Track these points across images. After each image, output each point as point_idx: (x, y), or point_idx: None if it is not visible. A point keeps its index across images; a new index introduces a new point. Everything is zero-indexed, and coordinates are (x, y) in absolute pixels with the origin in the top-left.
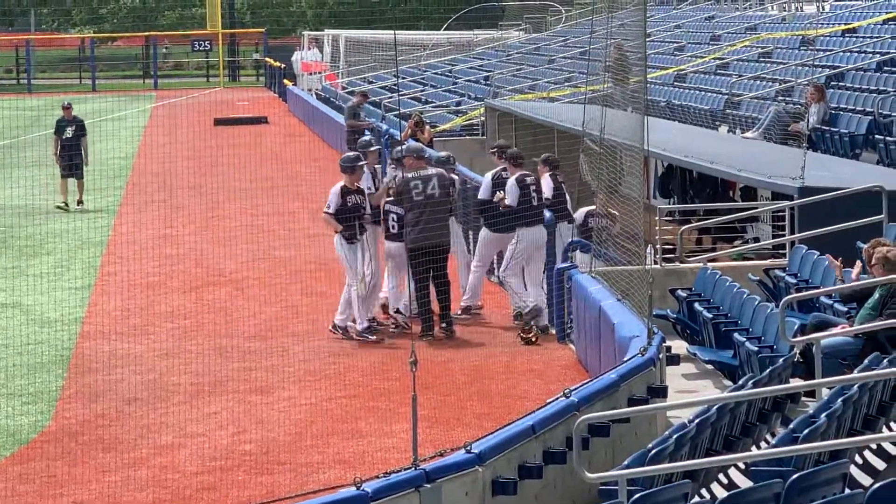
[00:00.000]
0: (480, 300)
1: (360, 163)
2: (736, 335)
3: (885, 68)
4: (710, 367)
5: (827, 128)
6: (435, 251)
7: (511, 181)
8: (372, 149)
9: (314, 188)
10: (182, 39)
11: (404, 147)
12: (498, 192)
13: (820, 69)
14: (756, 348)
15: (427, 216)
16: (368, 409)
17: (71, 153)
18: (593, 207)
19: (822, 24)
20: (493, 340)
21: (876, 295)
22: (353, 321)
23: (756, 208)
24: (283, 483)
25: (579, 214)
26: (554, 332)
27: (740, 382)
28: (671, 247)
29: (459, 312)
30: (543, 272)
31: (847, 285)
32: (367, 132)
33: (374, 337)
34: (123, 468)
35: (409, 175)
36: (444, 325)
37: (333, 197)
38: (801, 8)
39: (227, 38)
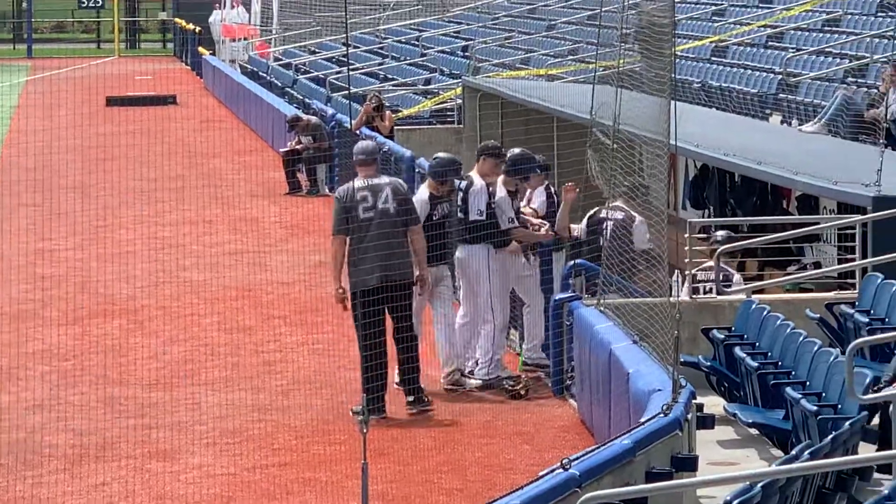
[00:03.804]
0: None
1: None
2: (789, 390)
3: None
4: (754, 431)
5: None
6: (392, 292)
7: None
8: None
9: (238, 190)
10: None
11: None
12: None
13: None
14: (815, 408)
15: (377, 241)
16: (304, 483)
17: None
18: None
19: None
20: (468, 394)
21: None
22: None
23: (817, 224)
24: None
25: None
26: (549, 383)
27: (794, 452)
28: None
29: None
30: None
31: None
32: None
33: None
34: None
35: (357, 184)
36: (410, 400)
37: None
38: None
39: None
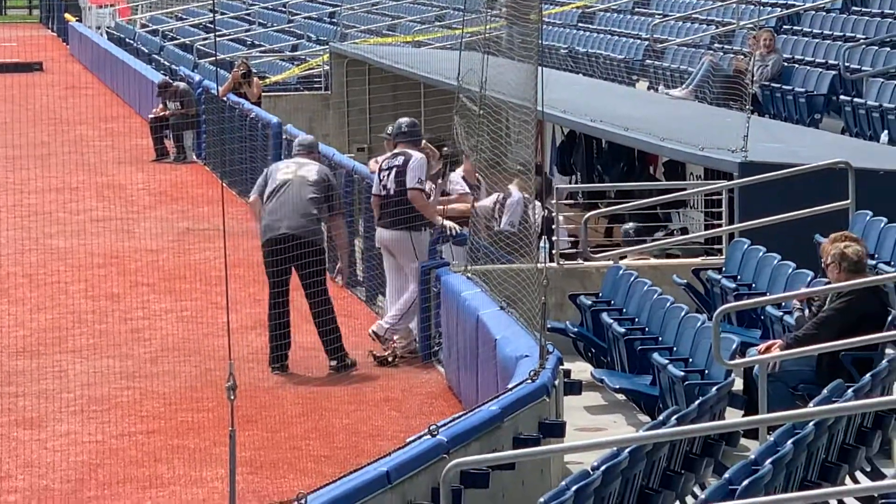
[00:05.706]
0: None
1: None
2: (656, 356)
3: (854, 8)
4: (621, 397)
5: (778, 85)
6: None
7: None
8: None
9: (104, 157)
10: None
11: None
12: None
13: (769, 8)
14: (682, 373)
15: (283, 199)
16: (172, 449)
17: None
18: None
19: None
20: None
21: (828, 303)
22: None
23: (684, 190)
24: None
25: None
26: (416, 348)
27: (661, 418)
28: (572, 239)
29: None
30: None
31: (804, 291)
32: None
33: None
34: None
35: (287, 160)
36: (332, 364)
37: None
38: None
39: None
